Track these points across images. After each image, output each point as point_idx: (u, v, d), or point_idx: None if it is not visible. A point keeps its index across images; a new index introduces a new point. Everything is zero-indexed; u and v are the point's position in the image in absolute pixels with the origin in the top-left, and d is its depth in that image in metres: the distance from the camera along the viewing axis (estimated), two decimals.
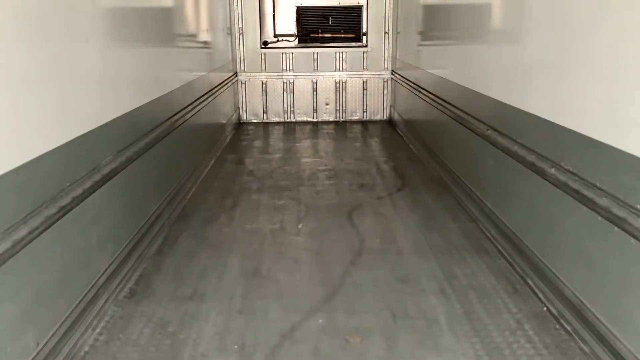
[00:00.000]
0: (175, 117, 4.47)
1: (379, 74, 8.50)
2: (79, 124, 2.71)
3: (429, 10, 6.13)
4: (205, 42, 6.13)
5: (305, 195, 4.91)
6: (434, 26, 5.88)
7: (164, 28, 4.41)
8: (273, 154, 6.53)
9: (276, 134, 7.84)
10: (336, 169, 5.82)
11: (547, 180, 2.94)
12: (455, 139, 4.84)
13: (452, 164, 4.94)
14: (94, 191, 2.79)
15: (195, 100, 5.34)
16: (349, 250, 3.71)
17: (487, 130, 3.86)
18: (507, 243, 3.52)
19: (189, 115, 4.96)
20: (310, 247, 3.80)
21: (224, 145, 6.93)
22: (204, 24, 6.01)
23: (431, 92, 5.79)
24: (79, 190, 2.61)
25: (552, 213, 2.94)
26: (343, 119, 8.64)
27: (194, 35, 5.55)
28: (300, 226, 4.17)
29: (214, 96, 6.37)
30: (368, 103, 8.62)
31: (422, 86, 6.26)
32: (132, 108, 3.44)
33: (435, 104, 5.60)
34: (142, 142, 3.54)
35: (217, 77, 6.75)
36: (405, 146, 6.87)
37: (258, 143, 7.18)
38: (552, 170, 2.86)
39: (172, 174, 4.50)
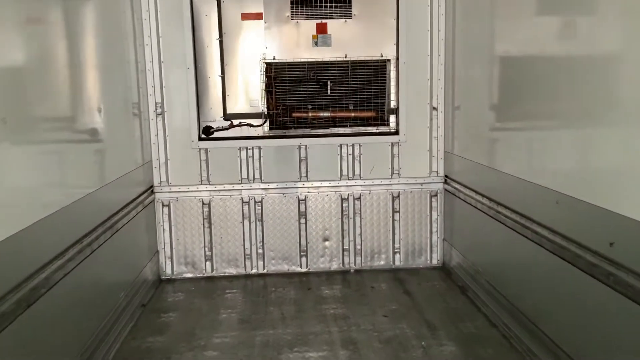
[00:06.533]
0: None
1: (421, 183, 4.61)
2: None
3: (514, 66, 3.41)
4: (90, 133, 3.41)
5: None
6: (529, 94, 3.13)
7: (6, 108, 2.31)
8: None
9: (226, 322, 3.68)
10: None
11: None
12: None
13: None
14: None
15: (66, 250, 2.71)
16: None
17: None
18: None
19: (43, 289, 2.37)
20: None
21: None
22: (91, 99, 3.38)
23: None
24: None
25: None
26: (357, 268, 4.62)
27: (68, 120, 3.09)
28: None
29: (105, 236, 3.34)
30: (402, 235, 4.65)
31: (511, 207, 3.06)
32: None
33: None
34: None
35: (115, 198, 3.69)
36: None
37: None
38: None
39: None
